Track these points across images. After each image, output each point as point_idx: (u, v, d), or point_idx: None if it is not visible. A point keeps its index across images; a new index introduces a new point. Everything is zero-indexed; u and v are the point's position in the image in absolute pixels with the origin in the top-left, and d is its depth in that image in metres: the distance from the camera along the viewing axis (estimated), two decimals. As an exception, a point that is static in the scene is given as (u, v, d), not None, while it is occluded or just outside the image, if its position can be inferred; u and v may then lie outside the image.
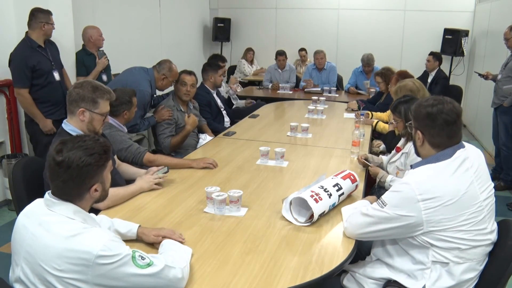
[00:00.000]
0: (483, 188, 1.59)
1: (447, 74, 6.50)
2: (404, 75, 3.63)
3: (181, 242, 1.63)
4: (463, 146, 1.63)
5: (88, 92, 1.98)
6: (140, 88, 3.18)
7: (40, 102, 3.40)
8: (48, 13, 3.39)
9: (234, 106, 5.07)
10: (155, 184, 2.21)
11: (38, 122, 3.42)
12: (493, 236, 1.61)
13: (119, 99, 2.56)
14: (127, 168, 2.48)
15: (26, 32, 3.37)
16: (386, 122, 3.72)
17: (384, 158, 2.68)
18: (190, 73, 3.47)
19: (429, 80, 5.54)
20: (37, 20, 3.33)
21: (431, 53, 5.57)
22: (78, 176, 1.28)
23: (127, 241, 1.64)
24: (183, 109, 3.45)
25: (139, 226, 1.68)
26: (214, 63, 4.28)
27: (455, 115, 1.59)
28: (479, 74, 4.54)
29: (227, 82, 4.65)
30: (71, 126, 2.00)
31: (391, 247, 1.68)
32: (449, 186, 1.52)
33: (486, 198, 1.59)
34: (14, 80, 3.33)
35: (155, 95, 3.58)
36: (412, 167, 1.68)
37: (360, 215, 1.67)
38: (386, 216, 1.57)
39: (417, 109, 1.66)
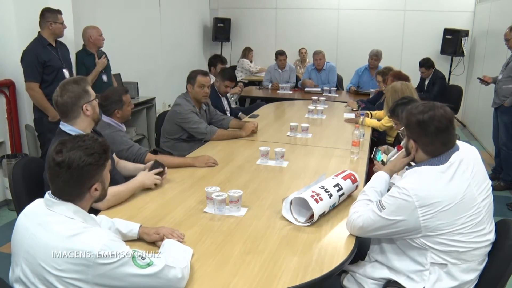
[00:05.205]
0: (481, 189, 1.59)
1: (447, 74, 6.51)
2: (398, 75, 3.66)
3: (181, 241, 1.63)
4: (458, 149, 1.61)
5: (77, 89, 1.99)
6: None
7: (50, 98, 3.43)
8: (55, 12, 3.48)
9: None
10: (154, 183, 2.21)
11: (49, 115, 3.47)
12: (492, 236, 1.61)
13: (109, 98, 2.56)
14: (125, 165, 2.47)
15: (39, 32, 3.48)
16: (379, 120, 3.76)
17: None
18: (206, 74, 3.36)
19: (426, 82, 5.54)
20: (45, 19, 3.44)
21: (421, 65, 5.54)
22: (78, 176, 1.28)
23: (128, 240, 1.65)
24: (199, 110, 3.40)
25: (141, 226, 1.69)
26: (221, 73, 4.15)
27: (446, 121, 1.56)
28: (480, 81, 4.54)
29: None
30: (70, 126, 2.00)
31: (388, 247, 1.68)
32: (446, 192, 1.51)
33: (483, 199, 1.58)
34: (25, 75, 3.41)
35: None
36: (407, 168, 1.67)
37: (361, 220, 1.66)
38: (384, 224, 1.58)
39: (408, 117, 1.63)
